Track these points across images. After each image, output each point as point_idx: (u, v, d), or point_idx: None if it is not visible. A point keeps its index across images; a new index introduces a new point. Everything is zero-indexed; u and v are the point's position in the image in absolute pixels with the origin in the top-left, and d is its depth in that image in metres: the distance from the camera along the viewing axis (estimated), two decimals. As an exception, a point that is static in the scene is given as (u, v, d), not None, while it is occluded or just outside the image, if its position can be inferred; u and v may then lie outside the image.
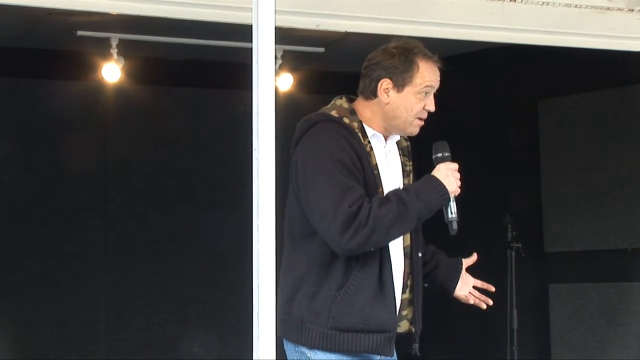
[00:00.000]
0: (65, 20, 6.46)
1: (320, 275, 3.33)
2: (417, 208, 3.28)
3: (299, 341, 3.35)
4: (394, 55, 3.42)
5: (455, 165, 3.38)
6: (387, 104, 3.42)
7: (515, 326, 7.10)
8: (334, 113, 3.42)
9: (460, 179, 3.37)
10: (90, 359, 7.60)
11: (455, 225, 3.39)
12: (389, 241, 3.32)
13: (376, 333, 3.34)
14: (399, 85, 3.41)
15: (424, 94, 3.43)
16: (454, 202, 3.37)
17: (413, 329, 3.51)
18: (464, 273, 3.76)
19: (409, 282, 3.48)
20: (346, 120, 3.40)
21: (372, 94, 3.44)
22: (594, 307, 7.54)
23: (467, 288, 3.77)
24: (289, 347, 3.39)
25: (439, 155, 3.42)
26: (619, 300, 7.44)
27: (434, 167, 3.40)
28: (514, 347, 7.10)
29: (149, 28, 6.61)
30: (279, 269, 3.29)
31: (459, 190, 3.36)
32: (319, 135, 3.35)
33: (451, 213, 3.38)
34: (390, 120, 3.45)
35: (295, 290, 3.33)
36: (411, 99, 3.42)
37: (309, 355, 3.35)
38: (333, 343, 3.31)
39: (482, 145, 7.98)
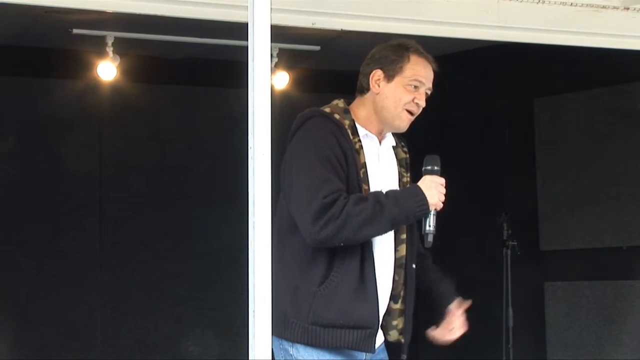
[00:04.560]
0: (61, 19, 6.46)
1: (302, 269, 3.35)
2: (393, 213, 3.28)
3: (282, 335, 3.37)
4: (385, 48, 3.49)
5: (442, 180, 3.37)
6: (377, 94, 3.46)
7: (511, 324, 7.11)
8: (327, 110, 3.46)
9: (446, 195, 3.36)
10: (86, 358, 7.60)
11: (430, 239, 3.39)
12: (360, 240, 3.32)
13: (356, 329, 3.36)
14: (389, 76, 3.45)
15: (413, 87, 3.45)
16: (434, 216, 3.36)
17: (402, 340, 3.53)
18: (453, 316, 3.80)
19: (401, 293, 3.50)
20: (337, 116, 3.43)
21: (366, 88, 3.49)
22: (590, 305, 7.55)
23: (448, 333, 3.81)
24: (274, 342, 3.38)
25: (428, 168, 3.41)
26: (614, 299, 7.45)
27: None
28: (509, 345, 7.10)
29: (144, 26, 6.61)
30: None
31: (441, 204, 3.35)
32: (307, 129, 3.39)
33: (429, 226, 3.37)
34: (379, 111, 3.47)
35: (279, 284, 3.28)
36: (400, 90, 3.45)
37: (291, 352, 3.37)
38: (314, 338, 3.33)
39: (478, 143, 7.99)
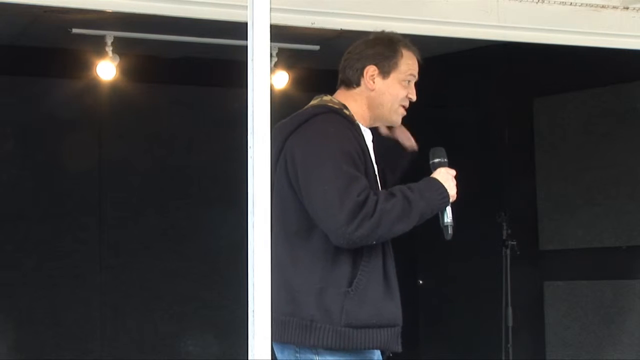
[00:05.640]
0: (61, 18, 6.46)
1: (325, 271, 3.24)
2: (421, 207, 3.25)
3: (304, 343, 3.23)
4: (377, 43, 3.43)
5: (454, 172, 3.37)
6: (373, 90, 3.41)
7: (511, 324, 7.10)
8: (332, 105, 3.39)
9: (457, 186, 3.36)
10: (85, 358, 7.60)
11: (450, 231, 3.38)
12: (391, 237, 3.27)
13: (387, 327, 3.29)
14: (385, 72, 3.41)
15: (407, 82, 3.44)
16: (450, 208, 3.37)
17: None
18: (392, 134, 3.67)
19: None
20: (346, 112, 3.37)
21: (355, 83, 3.43)
22: (589, 304, 7.55)
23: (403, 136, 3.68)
24: (286, 352, 3.28)
25: (437, 160, 3.41)
26: (613, 298, 7.44)
27: (431, 172, 3.39)
28: (509, 344, 7.09)
29: (144, 26, 6.61)
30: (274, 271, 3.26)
31: (455, 196, 3.35)
32: (322, 126, 3.29)
33: (447, 218, 3.37)
34: (375, 108, 3.43)
35: (299, 289, 3.25)
36: (396, 86, 3.42)
37: (316, 359, 3.25)
38: (347, 341, 3.22)
39: (478, 143, 7.98)
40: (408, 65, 3.43)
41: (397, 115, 3.47)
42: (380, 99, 3.43)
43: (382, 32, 3.49)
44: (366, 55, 3.42)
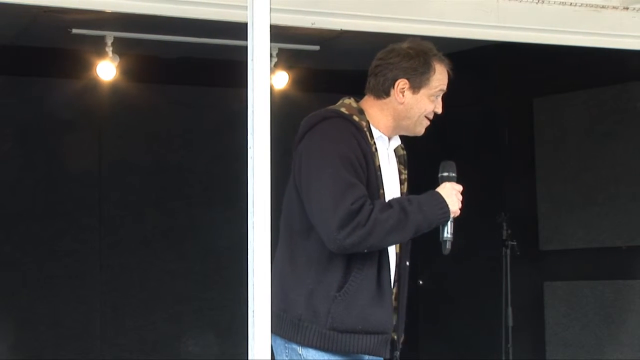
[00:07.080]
0: (61, 19, 6.46)
1: (318, 273, 3.30)
2: (417, 220, 3.27)
3: (292, 339, 3.32)
4: (412, 57, 3.42)
5: (460, 187, 3.39)
6: (402, 104, 3.43)
7: (511, 324, 7.11)
8: (343, 110, 3.41)
9: (462, 202, 3.37)
10: (85, 358, 7.60)
11: (448, 246, 3.40)
12: (384, 246, 3.31)
13: (374, 334, 3.34)
14: (416, 87, 3.42)
15: (436, 97, 3.46)
16: (452, 223, 3.37)
17: (395, 337, 3.49)
18: None
19: (394, 290, 3.47)
20: (355, 118, 3.39)
21: (384, 93, 3.43)
22: (589, 304, 7.55)
23: None
24: (277, 342, 3.34)
25: (445, 174, 3.43)
26: (613, 298, 7.45)
27: (439, 184, 3.40)
28: (509, 344, 7.10)
29: (144, 26, 6.61)
30: (274, 267, 3.27)
31: (459, 212, 3.37)
32: (327, 130, 3.32)
33: (447, 233, 3.38)
34: (401, 120, 3.45)
35: (292, 287, 3.30)
36: (425, 101, 3.44)
37: (300, 352, 3.31)
38: (330, 343, 3.29)
39: (477, 143, 7.98)
40: (439, 80, 3.45)
41: (422, 126, 3.49)
42: (407, 113, 3.44)
43: (415, 42, 3.48)
44: (399, 67, 3.42)
